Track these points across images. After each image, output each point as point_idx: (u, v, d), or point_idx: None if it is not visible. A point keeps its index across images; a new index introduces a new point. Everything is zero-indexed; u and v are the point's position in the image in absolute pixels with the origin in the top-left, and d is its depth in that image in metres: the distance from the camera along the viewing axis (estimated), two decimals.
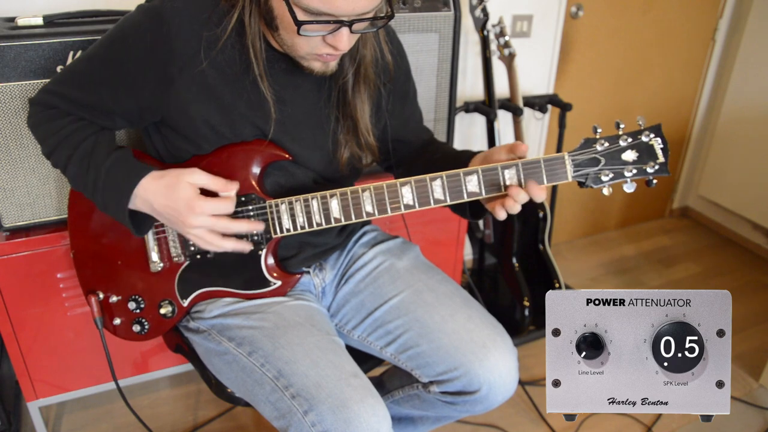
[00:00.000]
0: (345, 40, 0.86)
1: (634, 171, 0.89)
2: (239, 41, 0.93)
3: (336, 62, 0.95)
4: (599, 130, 0.89)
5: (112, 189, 0.94)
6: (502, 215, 0.91)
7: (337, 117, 1.03)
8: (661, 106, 2.60)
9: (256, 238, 1.01)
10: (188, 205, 0.91)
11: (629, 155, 0.89)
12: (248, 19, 0.90)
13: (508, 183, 0.91)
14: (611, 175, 0.89)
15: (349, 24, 0.83)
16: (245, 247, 0.98)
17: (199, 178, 0.93)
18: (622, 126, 0.89)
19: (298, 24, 0.82)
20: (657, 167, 0.89)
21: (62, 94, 0.97)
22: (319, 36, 0.86)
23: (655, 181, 0.90)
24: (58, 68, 1.15)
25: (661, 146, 0.88)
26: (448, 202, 0.94)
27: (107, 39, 0.94)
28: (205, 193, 0.94)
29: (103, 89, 0.94)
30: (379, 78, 1.04)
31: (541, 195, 0.90)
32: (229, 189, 0.95)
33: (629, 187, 0.90)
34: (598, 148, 0.89)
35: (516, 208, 0.90)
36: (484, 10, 1.77)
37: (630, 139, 0.89)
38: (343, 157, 1.05)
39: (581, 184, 0.91)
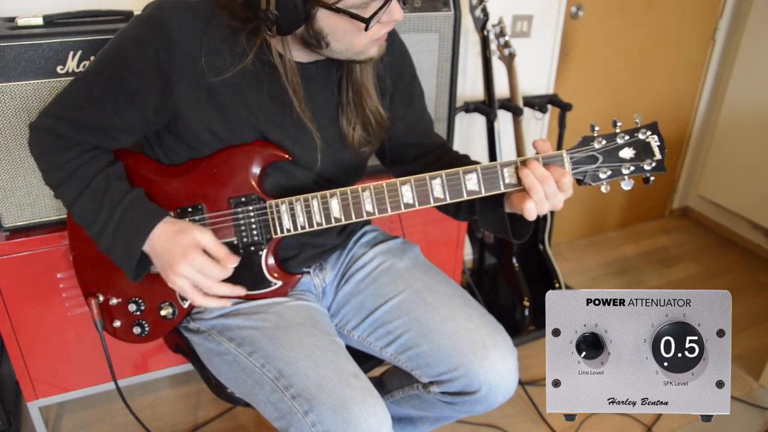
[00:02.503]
0: (398, 8, 0.87)
1: (632, 168, 0.90)
2: (263, 72, 0.93)
3: None
4: (597, 128, 0.89)
5: (126, 231, 0.95)
6: (530, 210, 0.89)
7: (346, 96, 1.02)
8: (661, 106, 2.60)
9: (256, 238, 1.01)
10: (183, 252, 0.93)
11: (626, 153, 0.89)
12: (280, 60, 0.91)
13: (507, 181, 0.92)
14: (609, 173, 0.90)
15: None
16: (225, 304, 0.99)
17: (208, 239, 0.95)
18: (619, 124, 0.89)
19: (368, 21, 0.83)
20: (654, 164, 0.89)
21: (65, 118, 0.95)
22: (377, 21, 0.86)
23: (652, 178, 0.90)
24: (58, 68, 1.15)
25: (658, 143, 0.89)
26: (448, 201, 0.94)
27: (106, 54, 0.93)
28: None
29: (106, 105, 0.93)
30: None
31: (561, 173, 0.88)
32: (229, 261, 0.96)
33: (627, 185, 0.90)
34: (596, 145, 0.90)
35: (537, 190, 0.88)
36: (484, 10, 1.77)
37: (627, 137, 0.89)
38: (354, 139, 1.04)
39: (579, 182, 0.92)
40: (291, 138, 0.99)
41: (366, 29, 0.84)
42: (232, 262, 0.96)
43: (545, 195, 0.88)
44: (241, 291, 0.99)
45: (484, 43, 1.81)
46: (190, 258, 0.92)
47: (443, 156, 1.14)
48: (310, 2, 0.83)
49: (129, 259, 0.95)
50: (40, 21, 1.18)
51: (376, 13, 0.83)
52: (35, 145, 0.98)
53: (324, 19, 0.85)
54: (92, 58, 1.15)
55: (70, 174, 0.96)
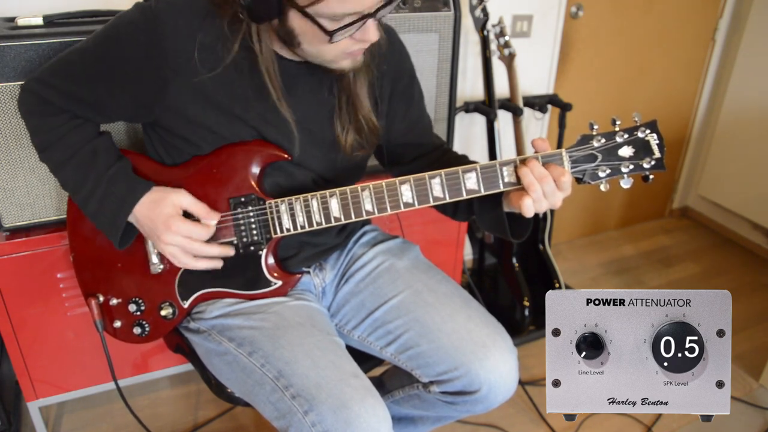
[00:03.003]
0: (373, 30, 0.86)
1: (631, 167, 0.90)
2: (247, 60, 0.93)
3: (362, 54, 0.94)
4: (596, 127, 0.90)
5: (112, 202, 0.96)
6: (528, 208, 0.89)
7: (339, 101, 1.02)
8: (661, 106, 2.60)
9: (256, 237, 1.01)
10: (165, 223, 0.95)
11: (626, 151, 0.90)
12: (259, 46, 0.91)
13: (506, 180, 0.92)
14: (608, 171, 0.90)
15: (374, 14, 0.83)
16: (217, 265, 1.01)
17: (184, 199, 0.97)
18: (618, 122, 0.89)
19: (331, 34, 0.82)
20: (653, 163, 0.89)
21: (56, 87, 0.96)
22: (347, 36, 0.86)
23: (651, 176, 0.91)
24: None
25: (657, 142, 0.89)
26: (447, 200, 0.94)
27: (102, 34, 0.94)
28: (190, 215, 0.98)
29: (98, 84, 0.94)
30: (373, 60, 1.02)
31: (560, 172, 0.88)
32: (210, 217, 0.98)
33: (626, 183, 0.90)
34: (595, 144, 0.90)
35: (535, 188, 0.88)
36: (484, 10, 1.77)
37: (626, 135, 0.89)
38: (347, 143, 1.04)
39: (579, 180, 0.92)
40: (271, 125, 0.98)
41: (329, 42, 0.84)
42: (213, 217, 0.98)
43: (543, 194, 0.89)
44: (230, 251, 1.01)
45: (484, 43, 1.81)
46: (174, 227, 0.95)
47: (442, 156, 1.14)
48: (283, 0, 0.82)
49: (114, 229, 0.98)
50: (40, 21, 1.18)
51: (341, 28, 0.82)
52: (23, 106, 1.00)
53: (296, 20, 0.84)
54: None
55: (55, 140, 0.98)
